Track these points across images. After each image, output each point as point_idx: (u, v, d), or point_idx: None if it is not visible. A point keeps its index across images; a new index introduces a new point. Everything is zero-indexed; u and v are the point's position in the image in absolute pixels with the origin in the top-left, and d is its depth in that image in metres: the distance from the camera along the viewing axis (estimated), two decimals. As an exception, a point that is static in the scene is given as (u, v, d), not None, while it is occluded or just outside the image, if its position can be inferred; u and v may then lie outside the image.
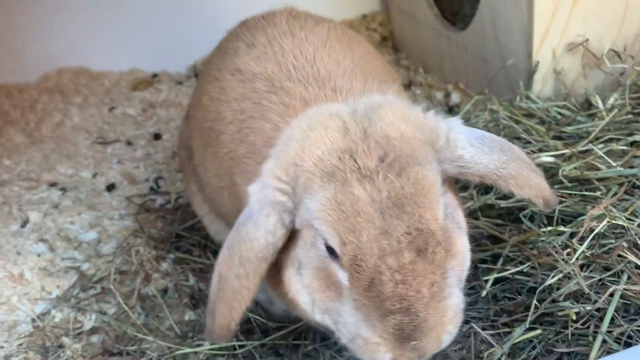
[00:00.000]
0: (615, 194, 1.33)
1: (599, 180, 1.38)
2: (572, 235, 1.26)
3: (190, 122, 1.43)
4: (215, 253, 1.51)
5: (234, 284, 1.00)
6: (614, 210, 1.26)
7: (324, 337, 1.31)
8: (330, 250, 0.96)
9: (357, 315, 0.94)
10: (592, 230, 1.23)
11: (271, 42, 1.23)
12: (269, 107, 1.13)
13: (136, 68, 2.55)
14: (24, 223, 1.76)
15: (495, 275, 1.27)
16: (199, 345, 1.28)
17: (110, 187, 1.93)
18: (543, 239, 1.28)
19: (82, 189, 1.92)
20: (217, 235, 1.46)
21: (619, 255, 1.20)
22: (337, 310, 0.98)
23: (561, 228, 1.29)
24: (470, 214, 1.42)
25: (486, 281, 1.26)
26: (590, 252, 1.23)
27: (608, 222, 1.22)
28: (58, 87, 2.42)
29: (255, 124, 1.15)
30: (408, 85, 2.26)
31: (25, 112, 2.32)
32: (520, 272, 1.26)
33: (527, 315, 1.17)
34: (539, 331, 1.14)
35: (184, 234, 1.67)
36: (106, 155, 2.10)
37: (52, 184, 1.94)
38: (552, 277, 1.20)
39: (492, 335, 1.16)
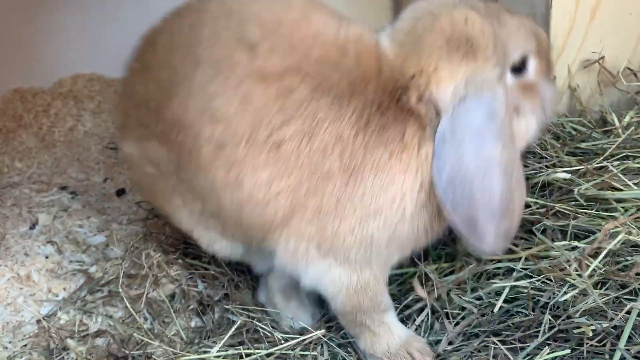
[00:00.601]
0: (632, 214, 1.31)
1: (616, 200, 1.37)
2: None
3: None
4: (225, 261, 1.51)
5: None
6: (630, 224, 1.24)
7: (331, 351, 1.29)
8: None
9: None
10: (607, 246, 1.21)
11: None
12: None
13: (150, 76, 2.57)
14: (33, 225, 1.76)
15: (508, 285, 1.24)
16: (205, 352, 1.26)
17: (120, 192, 1.93)
18: (557, 253, 1.26)
19: (92, 193, 1.92)
20: (211, 246, 1.37)
21: (637, 274, 1.17)
22: None
23: (575, 243, 1.27)
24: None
25: (498, 293, 1.24)
26: (604, 269, 1.21)
27: (625, 237, 1.20)
28: (72, 92, 2.44)
29: None
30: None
31: (39, 116, 2.33)
32: (534, 287, 1.23)
33: (542, 332, 1.14)
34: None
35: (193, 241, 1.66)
36: (117, 161, 2.11)
37: (63, 187, 1.94)
38: (566, 293, 1.17)
39: (507, 349, 1.14)
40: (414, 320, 1.32)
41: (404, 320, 1.32)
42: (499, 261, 1.31)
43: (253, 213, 1.14)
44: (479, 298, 1.28)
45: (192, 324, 1.41)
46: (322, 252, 1.14)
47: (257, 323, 1.34)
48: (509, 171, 1.02)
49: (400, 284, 1.43)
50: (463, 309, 1.28)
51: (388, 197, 1.07)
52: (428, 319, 1.30)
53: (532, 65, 1.15)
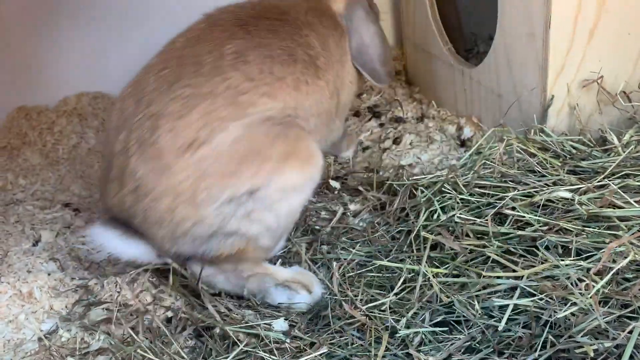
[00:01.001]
0: (634, 232, 1.31)
1: (619, 218, 1.37)
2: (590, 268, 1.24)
3: None
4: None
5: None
6: (634, 242, 1.24)
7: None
8: None
9: None
10: (611, 266, 1.22)
11: None
12: None
13: (154, 94, 2.60)
14: (36, 242, 1.76)
15: (511, 303, 1.24)
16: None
17: (123, 209, 1.94)
18: (559, 271, 1.26)
19: (95, 209, 1.93)
20: None
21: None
22: None
23: (581, 263, 1.27)
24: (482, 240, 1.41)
25: (502, 308, 1.24)
26: (608, 288, 1.21)
27: (634, 257, 1.20)
28: (76, 110, 2.47)
29: None
30: (421, 118, 2.28)
31: (43, 134, 2.36)
32: (536, 305, 1.23)
33: (542, 350, 1.14)
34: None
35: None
36: (120, 178, 2.12)
37: (66, 204, 1.95)
38: (565, 311, 1.17)
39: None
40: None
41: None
42: (499, 278, 1.31)
43: None
44: (482, 314, 1.28)
45: (191, 343, 1.41)
46: None
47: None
48: (383, 38, 1.78)
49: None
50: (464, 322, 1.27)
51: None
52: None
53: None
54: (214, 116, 1.30)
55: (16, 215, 1.91)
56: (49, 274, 1.59)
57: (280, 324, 1.36)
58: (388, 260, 1.50)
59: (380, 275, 1.50)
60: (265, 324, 1.36)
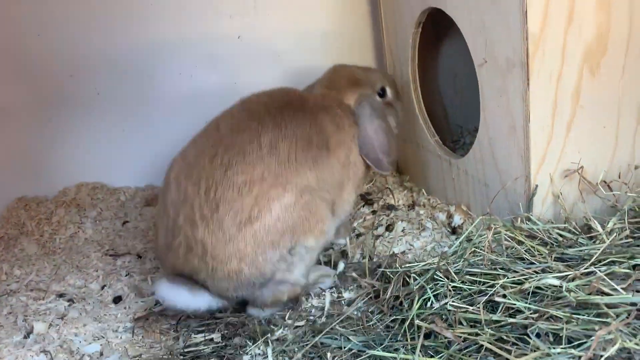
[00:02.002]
0: (623, 320, 1.33)
1: (607, 305, 1.39)
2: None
3: None
4: None
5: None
6: (622, 329, 1.26)
7: None
8: None
9: None
10: (601, 354, 1.22)
11: None
12: None
13: (152, 184, 2.67)
14: (28, 334, 1.75)
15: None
16: None
17: (117, 299, 1.94)
18: (551, 359, 1.26)
19: (90, 300, 1.93)
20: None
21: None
22: None
23: (572, 351, 1.28)
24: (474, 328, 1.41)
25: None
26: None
27: (622, 344, 1.22)
28: (75, 200, 2.52)
29: None
30: (412, 206, 2.34)
31: (41, 224, 2.39)
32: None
33: None
34: None
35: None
36: (115, 268, 2.13)
37: (61, 295, 1.95)
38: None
39: None
40: None
41: None
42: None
43: None
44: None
45: None
46: None
47: None
48: (387, 132, 1.97)
49: None
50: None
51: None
52: None
53: (388, 91, 2.13)
54: (261, 199, 1.67)
55: (9, 306, 1.91)
56: (39, 368, 1.57)
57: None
58: (382, 350, 1.50)
59: (375, 365, 1.49)
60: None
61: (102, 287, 2.01)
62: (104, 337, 1.73)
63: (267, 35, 2.71)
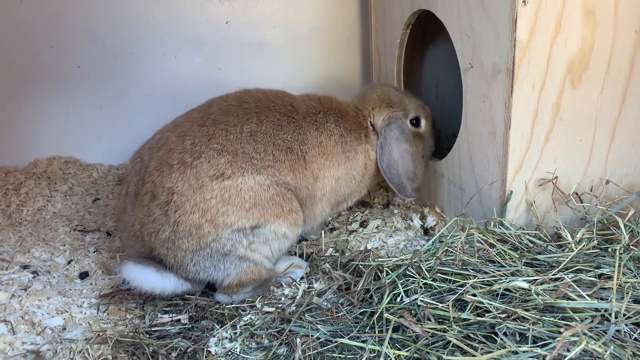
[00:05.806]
0: (587, 324, 1.36)
1: (572, 309, 1.43)
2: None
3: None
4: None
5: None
6: (587, 333, 1.29)
7: None
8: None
9: None
10: (565, 354, 1.25)
11: None
12: None
13: (126, 164, 2.62)
14: (-12, 303, 1.70)
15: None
16: None
17: (84, 275, 1.90)
18: (517, 357, 1.29)
19: (55, 274, 1.88)
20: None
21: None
22: None
23: (537, 350, 1.31)
24: (442, 325, 1.43)
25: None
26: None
27: (585, 346, 1.25)
28: (46, 173, 2.46)
29: None
30: (387, 205, 2.36)
31: (9, 195, 2.32)
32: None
33: None
34: None
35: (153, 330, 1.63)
36: (84, 244, 2.09)
37: (25, 267, 1.90)
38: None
39: None
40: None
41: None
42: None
43: None
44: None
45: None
46: None
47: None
48: (414, 157, 1.97)
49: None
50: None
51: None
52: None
53: (423, 124, 2.14)
54: (235, 165, 1.72)
55: (-30, 274, 1.85)
56: (-2, 337, 1.53)
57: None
58: (350, 340, 1.51)
59: (343, 356, 1.49)
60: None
61: (69, 262, 1.97)
62: (67, 312, 1.69)
63: (255, 23, 2.70)
